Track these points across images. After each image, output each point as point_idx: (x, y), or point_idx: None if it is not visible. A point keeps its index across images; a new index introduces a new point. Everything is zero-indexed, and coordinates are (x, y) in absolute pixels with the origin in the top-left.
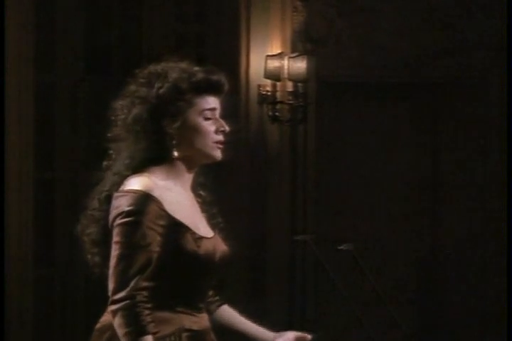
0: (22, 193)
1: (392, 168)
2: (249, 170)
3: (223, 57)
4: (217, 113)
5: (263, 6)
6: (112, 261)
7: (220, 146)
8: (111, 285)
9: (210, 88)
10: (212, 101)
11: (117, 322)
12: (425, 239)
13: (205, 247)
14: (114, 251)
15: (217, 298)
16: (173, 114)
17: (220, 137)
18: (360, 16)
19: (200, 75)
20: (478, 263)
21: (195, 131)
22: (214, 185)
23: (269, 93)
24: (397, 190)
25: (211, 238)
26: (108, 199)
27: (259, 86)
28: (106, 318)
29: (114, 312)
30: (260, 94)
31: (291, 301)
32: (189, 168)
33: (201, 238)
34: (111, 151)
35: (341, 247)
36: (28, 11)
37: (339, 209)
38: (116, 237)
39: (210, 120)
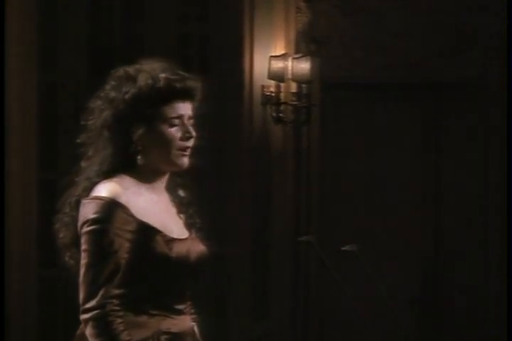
0: (25, 194)
1: (395, 169)
2: (253, 170)
3: (227, 57)
4: (187, 118)
5: (267, 7)
6: (81, 270)
7: (185, 153)
8: (81, 294)
9: (175, 95)
10: (180, 108)
11: (89, 331)
12: (428, 240)
13: (177, 249)
14: (83, 260)
15: (192, 311)
16: (137, 120)
17: (186, 143)
18: (363, 17)
19: (164, 83)
20: (480, 264)
21: (159, 138)
22: (214, 186)
23: (272, 94)
24: (400, 191)
25: (185, 239)
26: (78, 205)
27: (262, 87)
28: None
29: (86, 322)
30: (264, 95)
31: (294, 302)
32: (159, 173)
33: (173, 240)
34: (88, 154)
35: (345, 248)
36: (30, 11)
37: (342, 210)
38: (84, 245)
39: (175, 126)
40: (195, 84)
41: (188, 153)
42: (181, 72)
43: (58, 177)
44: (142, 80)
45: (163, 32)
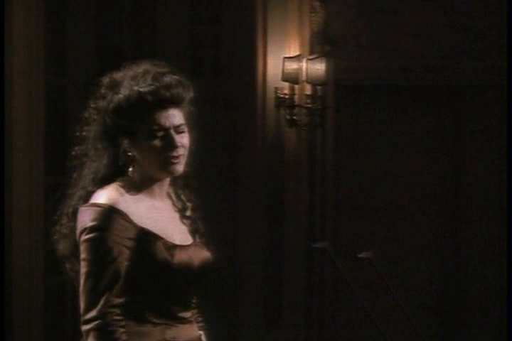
0: (32, 198)
1: (412, 173)
2: (266, 175)
3: (239, 59)
4: (172, 127)
5: (280, 7)
6: (81, 279)
7: (175, 161)
8: (81, 304)
9: (150, 107)
10: (161, 118)
11: None
12: (446, 246)
13: (178, 256)
14: (82, 269)
15: (200, 319)
16: (123, 130)
17: (172, 153)
18: (379, 17)
19: (136, 96)
20: (500, 271)
21: (144, 150)
22: (223, 191)
23: (286, 96)
24: (417, 195)
25: (188, 245)
26: (75, 215)
27: (276, 89)
28: None
29: (87, 333)
30: (277, 98)
31: (309, 310)
32: (157, 180)
33: (174, 246)
34: (83, 165)
35: (361, 255)
36: (37, 12)
37: (358, 216)
38: (82, 254)
39: (157, 138)
40: (175, 91)
41: (177, 160)
42: (167, 77)
43: (66, 181)
44: (121, 92)
45: (174, 33)
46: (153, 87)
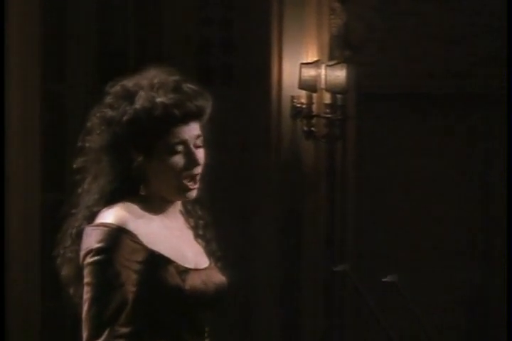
0: (28, 216)
1: (439, 187)
2: (282, 191)
3: (253, 65)
4: (192, 142)
5: (297, 8)
6: (84, 306)
7: (193, 187)
8: (84, 333)
9: (175, 121)
10: (183, 132)
11: None
12: (474, 271)
13: (191, 280)
14: (86, 294)
15: None
16: (136, 145)
17: (193, 171)
18: (403, 20)
19: (160, 109)
20: None
21: (161, 167)
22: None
23: (303, 105)
24: (443, 209)
25: (203, 269)
26: (80, 236)
27: (292, 97)
28: None
29: None
30: (294, 107)
31: (328, 337)
32: (168, 201)
33: (187, 270)
34: (86, 180)
35: (385, 279)
36: (34, 13)
37: (381, 235)
38: (87, 278)
39: (179, 154)
40: (198, 103)
41: (196, 185)
42: (186, 87)
43: (65, 198)
44: (139, 103)
45: (181, 36)
46: (176, 98)
